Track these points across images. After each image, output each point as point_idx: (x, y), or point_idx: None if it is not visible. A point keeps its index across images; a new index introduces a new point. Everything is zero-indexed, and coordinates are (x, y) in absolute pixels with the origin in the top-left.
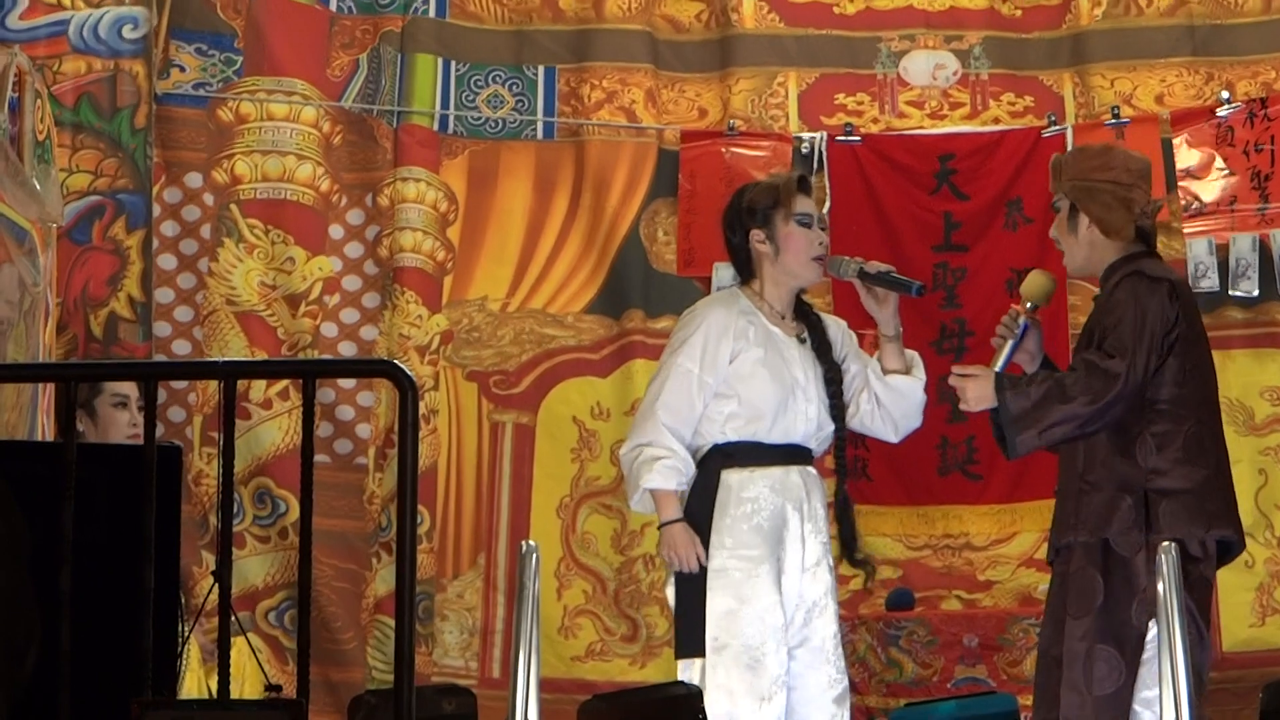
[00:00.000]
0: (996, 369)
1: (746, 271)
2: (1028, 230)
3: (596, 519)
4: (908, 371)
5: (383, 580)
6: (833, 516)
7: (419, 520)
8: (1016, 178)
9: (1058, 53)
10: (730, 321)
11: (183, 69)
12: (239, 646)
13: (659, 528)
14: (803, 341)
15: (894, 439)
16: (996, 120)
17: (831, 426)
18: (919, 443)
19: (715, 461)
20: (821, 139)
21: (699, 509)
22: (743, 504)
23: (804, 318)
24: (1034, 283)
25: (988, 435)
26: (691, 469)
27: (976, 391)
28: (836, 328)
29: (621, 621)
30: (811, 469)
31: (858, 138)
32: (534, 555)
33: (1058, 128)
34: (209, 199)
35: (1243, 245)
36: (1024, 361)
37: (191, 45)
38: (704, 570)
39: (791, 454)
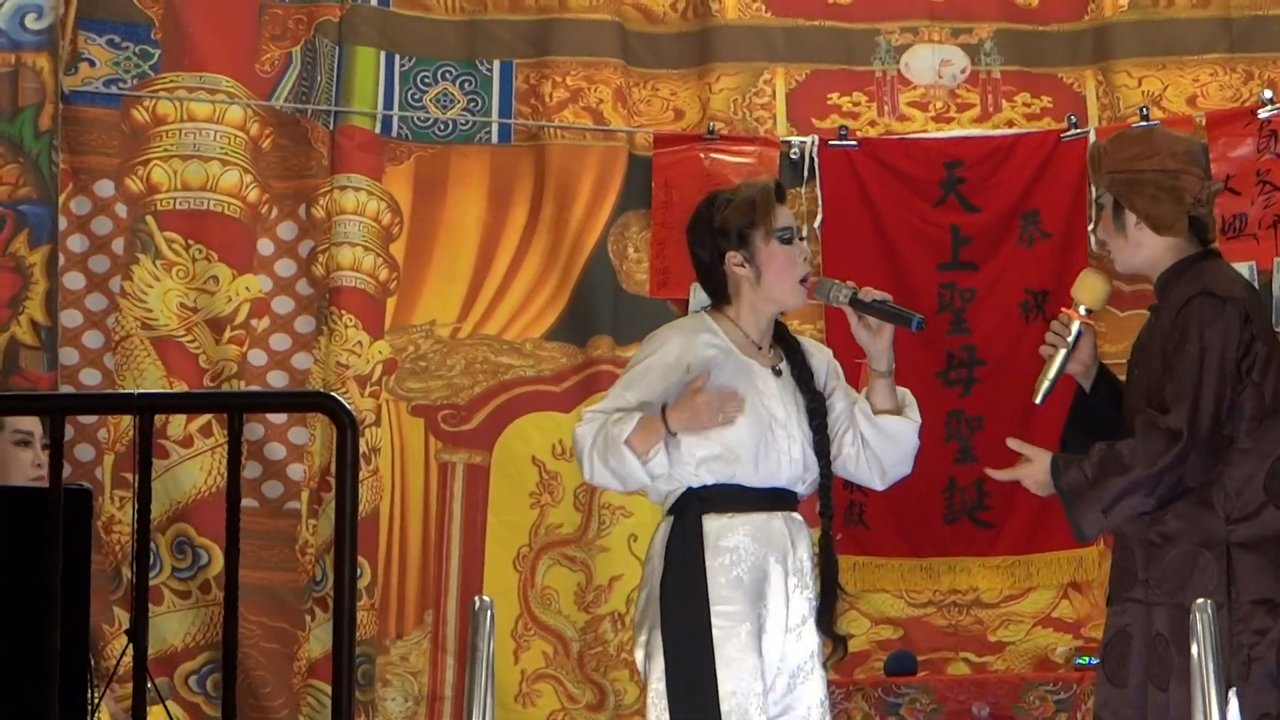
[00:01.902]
0: (1046, 382)
1: (720, 295)
2: (1045, 246)
3: (558, 572)
4: (899, 412)
5: (317, 640)
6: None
7: (358, 573)
8: (1032, 187)
9: (1079, 48)
10: (690, 354)
11: (93, 63)
12: (156, 715)
13: (669, 433)
14: (778, 374)
15: (879, 486)
16: (1010, 123)
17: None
18: (923, 487)
19: (694, 506)
20: (813, 143)
21: (684, 555)
22: (720, 554)
23: (781, 343)
24: (1088, 284)
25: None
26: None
27: (1035, 476)
28: (820, 356)
29: (586, 688)
30: (797, 515)
31: (854, 142)
32: (488, 612)
33: (1078, 131)
34: (122, 210)
35: None
36: (1077, 373)
37: (103, 37)
38: (701, 625)
39: (775, 498)
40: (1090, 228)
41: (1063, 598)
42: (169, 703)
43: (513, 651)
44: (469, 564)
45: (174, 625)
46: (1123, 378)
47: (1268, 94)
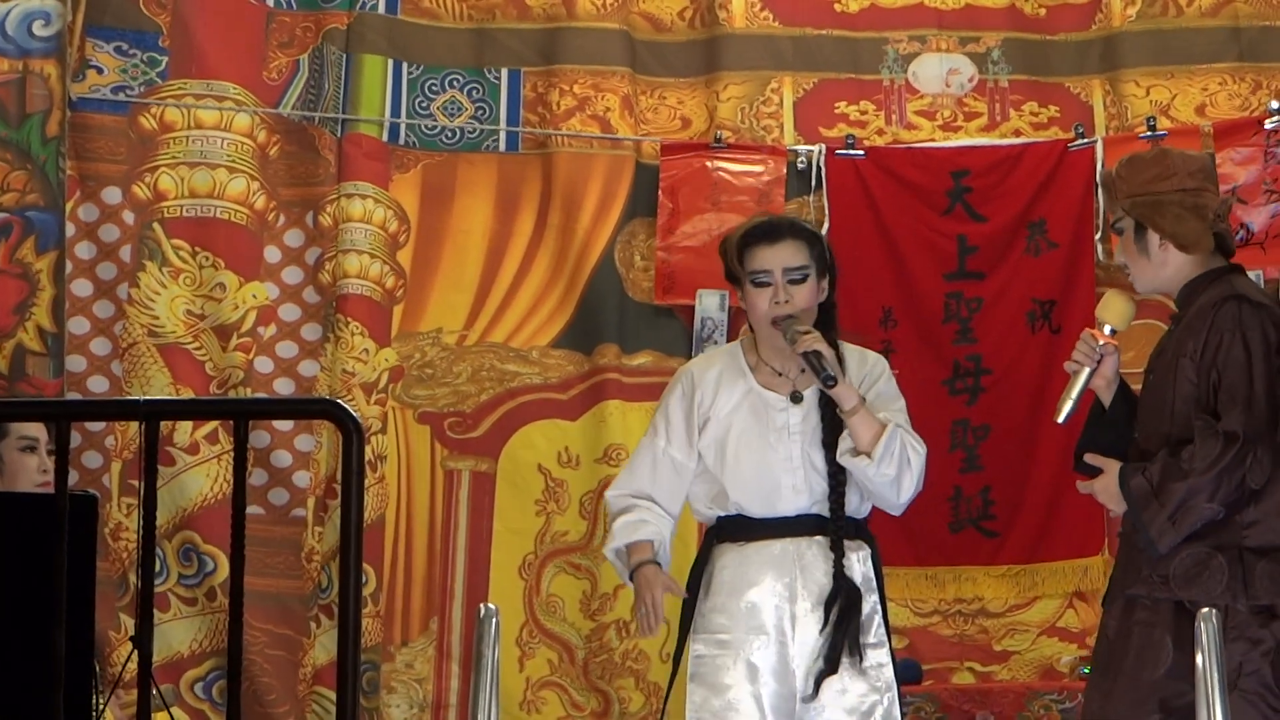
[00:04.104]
0: (1070, 402)
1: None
2: (1052, 256)
3: (564, 579)
4: (870, 449)
5: (323, 648)
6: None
7: (364, 580)
8: (1039, 197)
9: (1086, 57)
10: (703, 388)
11: (100, 70)
12: None
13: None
14: (798, 400)
15: (894, 514)
16: (1017, 132)
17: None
18: (928, 495)
19: (711, 535)
20: (820, 152)
21: (692, 584)
22: (723, 584)
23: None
24: (1113, 306)
25: (1005, 487)
26: (664, 521)
27: (1107, 487)
28: (854, 367)
29: (591, 696)
30: (820, 538)
31: (861, 151)
32: (493, 620)
33: (1086, 141)
34: (129, 217)
35: None
36: (1099, 388)
37: (110, 44)
38: (682, 651)
39: (784, 525)
40: (1097, 236)
41: (1068, 607)
42: (174, 709)
43: (518, 659)
44: (474, 571)
45: (179, 632)
46: (1137, 386)
47: (1275, 104)
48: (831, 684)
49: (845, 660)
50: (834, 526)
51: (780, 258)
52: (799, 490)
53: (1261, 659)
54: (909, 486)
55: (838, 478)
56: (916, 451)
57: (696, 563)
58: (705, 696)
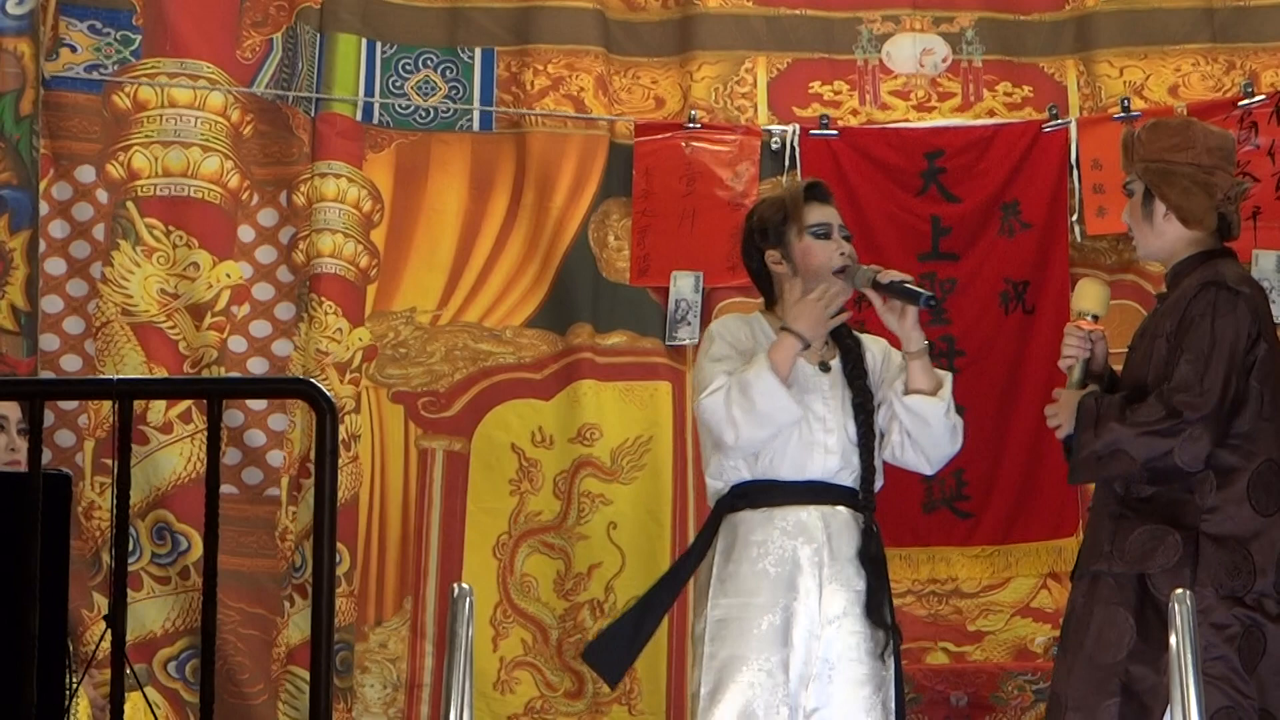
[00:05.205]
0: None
1: (769, 296)
2: (1025, 237)
3: (537, 559)
4: (933, 392)
5: (296, 627)
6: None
7: (338, 560)
8: (1013, 178)
9: (1060, 37)
10: (742, 331)
11: (74, 49)
12: (134, 701)
13: (802, 342)
14: (826, 369)
15: (929, 471)
16: (991, 113)
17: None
18: (902, 475)
19: (725, 504)
20: (794, 132)
21: (700, 554)
22: (749, 547)
23: (839, 341)
24: (1090, 293)
25: (979, 468)
26: None
27: (1068, 401)
28: (877, 350)
29: (565, 675)
30: (842, 508)
31: (834, 131)
32: (467, 600)
33: (1060, 122)
34: (103, 196)
35: (1266, 265)
36: (1090, 379)
37: (84, 22)
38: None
39: (811, 492)
40: (1072, 218)
41: (1042, 588)
42: (147, 689)
43: (491, 639)
44: (448, 551)
45: (153, 611)
46: (1117, 367)
47: (1248, 85)
48: (846, 655)
49: (864, 628)
50: (865, 489)
51: (835, 215)
52: (831, 451)
53: (1226, 644)
54: (958, 441)
55: (868, 441)
56: (955, 411)
57: (704, 532)
58: (728, 659)
